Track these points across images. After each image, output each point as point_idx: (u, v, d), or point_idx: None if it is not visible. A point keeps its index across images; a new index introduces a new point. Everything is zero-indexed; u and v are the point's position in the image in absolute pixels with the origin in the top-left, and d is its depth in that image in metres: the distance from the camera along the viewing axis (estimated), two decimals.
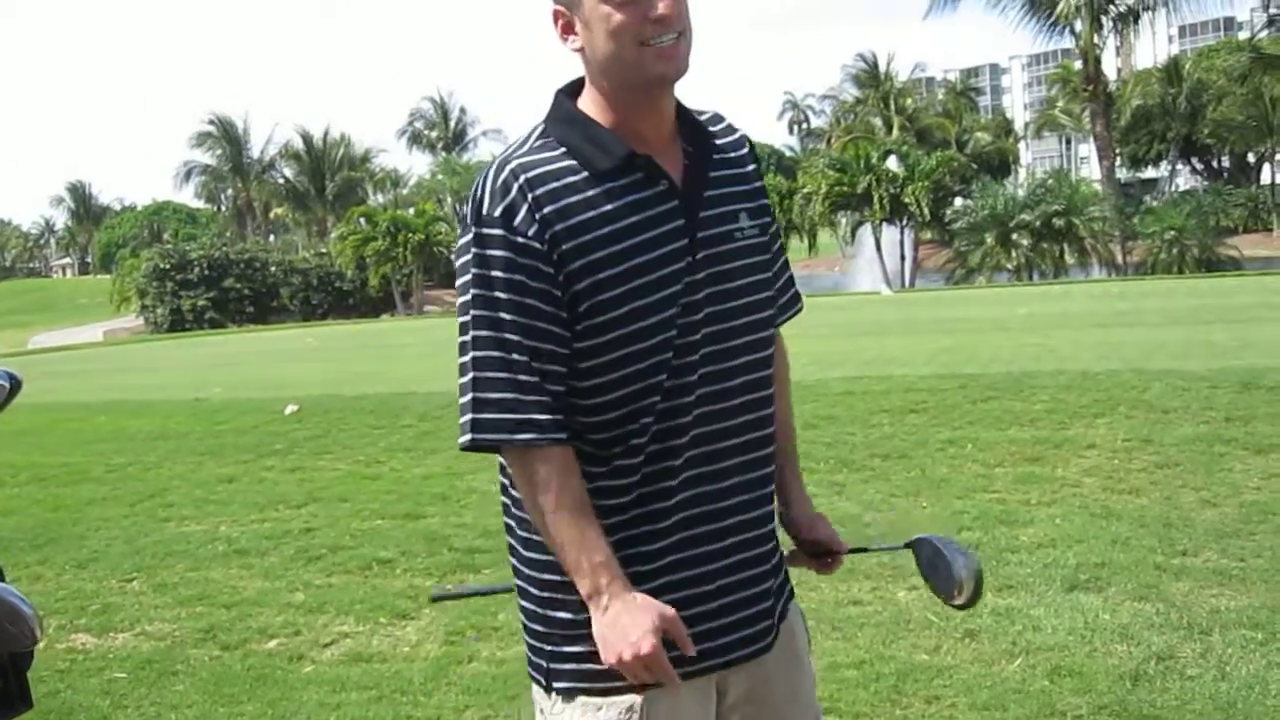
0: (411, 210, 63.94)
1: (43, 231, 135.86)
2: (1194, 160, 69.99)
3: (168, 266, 59.41)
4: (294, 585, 6.03)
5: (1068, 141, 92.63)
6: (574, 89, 2.04)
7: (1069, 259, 45.20)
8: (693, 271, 1.96)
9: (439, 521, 7.08)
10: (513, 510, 2.06)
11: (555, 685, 2.03)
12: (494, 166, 1.95)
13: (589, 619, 1.94)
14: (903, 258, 52.08)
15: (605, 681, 1.97)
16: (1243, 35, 66.60)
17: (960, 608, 2.23)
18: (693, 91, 2.04)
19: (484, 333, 1.90)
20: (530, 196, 1.90)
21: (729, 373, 2.01)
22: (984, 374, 10.29)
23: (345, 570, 6.24)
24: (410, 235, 58.05)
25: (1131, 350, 11.70)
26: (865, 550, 2.28)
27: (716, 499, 2.01)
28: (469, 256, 1.93)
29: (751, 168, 2.11)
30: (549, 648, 2.03)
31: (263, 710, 4.52)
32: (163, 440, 10.78)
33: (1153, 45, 79.25)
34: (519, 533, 2.06)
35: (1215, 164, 70.92)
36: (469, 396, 1.92)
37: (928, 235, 54.66)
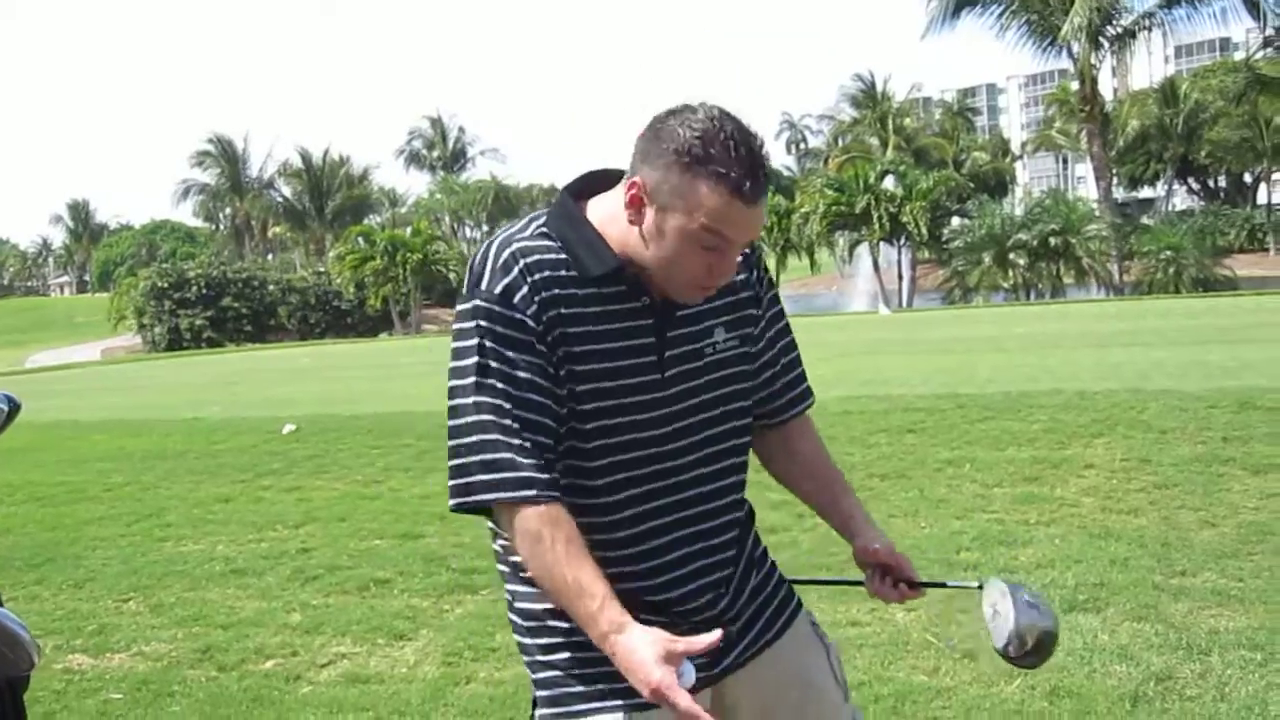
0: (409, 230, 64.00)
1: (40, 250, 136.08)
2: (1191, 180, 70.24)
3: (165, 285, 59.39)
4: (291, 606, 6.01)
5: (1064, 161, 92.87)
6: (579, 189, 2.11)
7: (1066, 279, 45.22)
8: (663, 387, 2.07)
9: (437, 541, 7.07)
10: (499, 550, 2.18)
11: (536, 711, 2.15)
12: (495, 244, 2.03)
13: (557, 644, 2.10)
14: (900, 277, 52.16)
15: (579, 704, 2.09)
16: (1239, 56, 66.84)
17: (1015, 663, 2.17)
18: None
19: (484, 399, 1.97)
20: (530, 280, 1.99)
21: (699, 474, 2.13)
22: (982, 394, 10.30)
23: (343, 590, 6.22)
24: (408, 255, 58.11)
25: (1129, 370, 11.72)
26: (943, 585, 2.30)
27: (674, 588, 2.11)
28: (470, 325, 2.00)
29: (742, 276, 2.17)
30: (531, 674, 2.16)
31: None
32: (160, 459, 10.77)
33: (1149, 66, 79.50)
34: (504, 570, 2.18)
35: (1212, 184, 71.17)
36: (476, 458, 1.98)
37: (925, 255, 54.75)
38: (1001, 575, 2.21)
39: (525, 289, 1.98)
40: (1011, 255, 45.20)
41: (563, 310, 2.00)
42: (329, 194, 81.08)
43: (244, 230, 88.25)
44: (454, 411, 2.01)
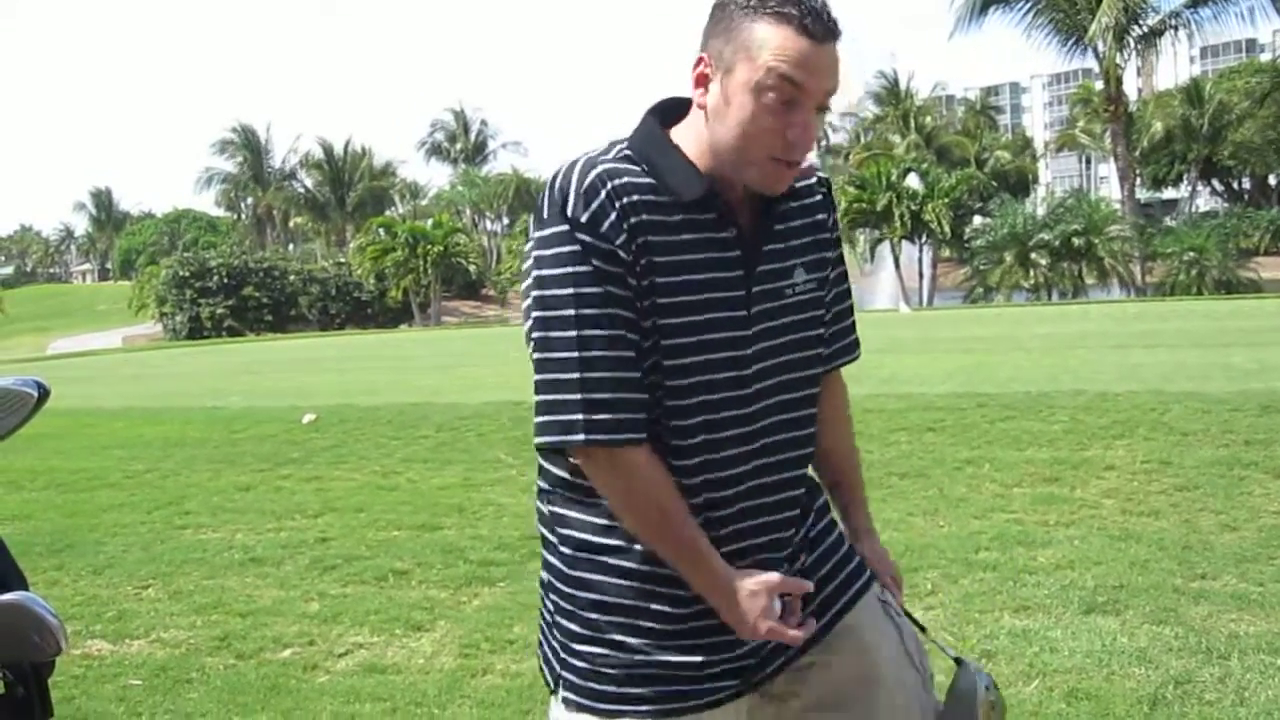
0: (430, 222, 64.13)
1: (63, 237, 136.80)
2: (1214, 181, 69.82)
3: (187, 274, 59.67)
4: (309, 595, 6.03)
5: (1087, 161, 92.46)
6: (663, 111, 2.02)
7: (1088, 279, 45.07)
8: (746, 325, 1.98)
9: (455, 533, 7.09)
10: (548, 515, 2.08)
11: (560, 693, 2.08)
12: (578, 167, 1.91)
13: (590, 636, 2.02)
14: (921, 275, 52.04)
15: (605, 704, 2.03)
16: (1265, 57, 66.43)
17: None
18: None
19: (583, 333, 1.88)
20: (618, 204, 1.88)
21: (771, 421, 2.04)
22: (1002, 393, 10.27)
23: (360, 580, 6.24)
24: (429, 247, 58.23)
25: (1151, 372, 11.66)
26: (924, 630, 2.25)
27: (737, 539, 2.02)
28: (559, 252, 1.89)
29: (821, 216, 2.11)
30: (560, 654, 2.08)
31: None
32: (180, 447, 10.82)
33: (1174, 66, 79.09)
34: (550, 538, 2.08)
35: (1236, 186, 70.74)
36: (577, 396, 1.89)
37: (946, 253, 54.59)
38: (981, 662, 2.20)
39: (614, 215, 1.87)
40: (1033, 255, 45.08)
41: (650, 237, 1.90)
42: (350, 185, 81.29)
43: (265, 220, 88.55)
44: (547, 344, 1.90)
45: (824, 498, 2.24)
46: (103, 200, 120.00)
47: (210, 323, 58.03)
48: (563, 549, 2.05)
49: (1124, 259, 44.31)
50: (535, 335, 1.92)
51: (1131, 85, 60.84)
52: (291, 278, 62.13)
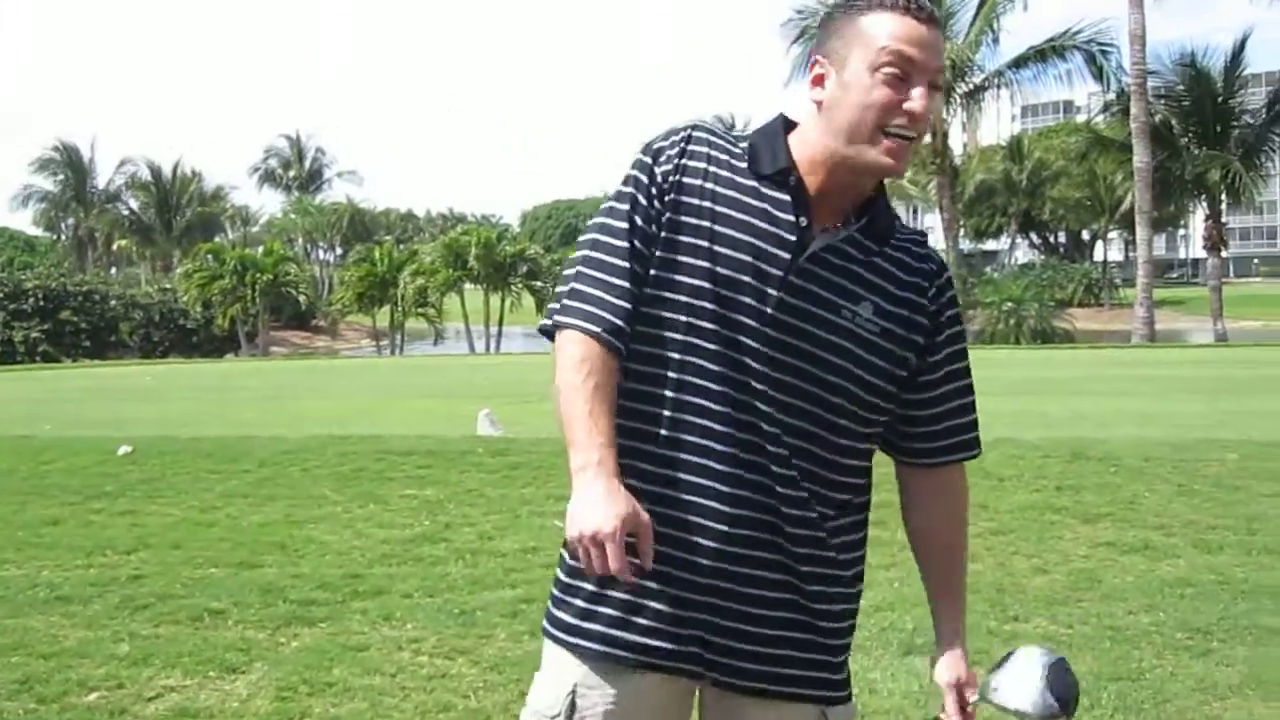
0: (260, 249, 62.82)
1: None
2: (1032, 235, 72.87)
3: (0, 295, 57.25)
4: (119, 635, 5.78)
5: (914, 211, 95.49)
6: (790, 121, 2.12)
7: None
8: (775, 306, 1.99)
9: (275, 571, 6.90)
10: None
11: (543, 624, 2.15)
12: (687, 124, 2.10)
13: (567, 583, 2.08)
14: None
15: (560, 631, 2.09)
16: (1080, 118, 69.66)
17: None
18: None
19: (597, 236, 2.05)
20: (685, 147, 2.06)
21: (784, 453, 2.04)
22: None
23: (174, 620, 6.02)
24: (258, 275, 57.02)
25: None
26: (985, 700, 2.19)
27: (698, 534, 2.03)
28: (624, 174, 2.09)
29: (921, 281, 2.10)
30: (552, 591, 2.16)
31: None
32: None
33: (996, 123, 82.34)
34: None
35: (1052, 239, 73.94)
36: (569, 286, 2.04)
37: None
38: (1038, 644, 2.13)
39: (675, 150, 2.05)
40: None
41: (707, 185, 2.02)
42: (178, 210, 79.21)
43: (87, 242, 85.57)
44: (578, 245, 2.09)
45: (859, 587, 2.25)
46: None
47: (24, 347, 55.65)
48: None
49: None
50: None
51: (957, 139, 63.11)
52: (113, 303, 60.06)
